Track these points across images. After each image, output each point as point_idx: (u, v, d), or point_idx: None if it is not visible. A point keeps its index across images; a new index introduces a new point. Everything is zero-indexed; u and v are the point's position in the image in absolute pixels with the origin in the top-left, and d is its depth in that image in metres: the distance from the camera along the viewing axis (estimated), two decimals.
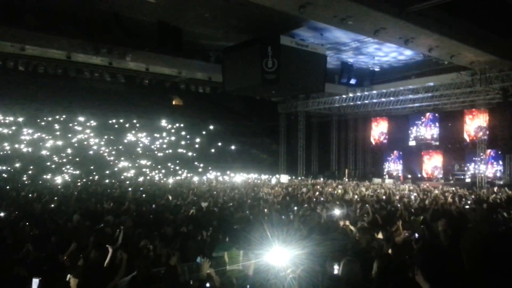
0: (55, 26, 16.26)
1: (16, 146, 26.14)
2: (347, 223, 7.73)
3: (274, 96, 28.79)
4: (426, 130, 31.25)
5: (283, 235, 6.16)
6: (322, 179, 28.65)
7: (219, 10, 14.92)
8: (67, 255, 6.06)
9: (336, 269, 4.10)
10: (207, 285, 4.76)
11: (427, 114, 30.79)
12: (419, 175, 31.36)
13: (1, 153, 25.45)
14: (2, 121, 26.42)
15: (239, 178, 28.20)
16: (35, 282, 4.29)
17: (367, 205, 9.77)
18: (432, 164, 31.59)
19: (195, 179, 26.71)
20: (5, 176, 22.29)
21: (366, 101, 26.94)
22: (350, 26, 14.29)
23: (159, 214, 10.05)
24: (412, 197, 15.21)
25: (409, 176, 30.60)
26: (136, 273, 5.17)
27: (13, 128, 26.54)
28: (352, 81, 23.06)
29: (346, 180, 28.16)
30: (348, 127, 35.50)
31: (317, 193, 16.30)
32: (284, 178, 28.16)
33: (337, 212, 9.26)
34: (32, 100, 26.45)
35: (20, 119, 26.54)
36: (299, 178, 29.49)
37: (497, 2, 13.25)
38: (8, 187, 17.18)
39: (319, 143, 35.65)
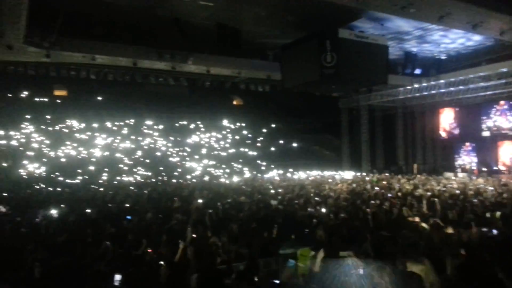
0: (121, 36, 17.26)
1: (91, 150, 28.04)
2: (417, 219, 7.41)
3: (334, 91, 28.31)
4: (502, 119, 29.04)
5: (349, 232, 6.05)
6: (388, 174, 27.68)
7: (276, 8, 14.97)
8: (140, 251, 6.39)
9: (408, 267, 3.91)
10: (276, 281, 4.77)
11: (501, 102, 28.55)
12: (496, 168, 29.17)
13: (78, 157, 27.43)
14: (78, 127, 28.50)
15: (302, 175, 28.06)
16: (117, 278, 4.54)
17: (436, 199, 9.26)
18: (510, 155, 29.26)
19: (259, 177, 26.97)
20: (83, 178, 23.92)
21: (433, 91, 25.56)
22: (412, 14, 13.71)
23: (226, 212, 10.28)
24: (489, 191, 14.22)
25: (484, 169, 28.58)
26: (205, 269, 5.34)
27: (88, 133, 28.54)
28: (417, 71, 22.13)
29: (415, 175, 26.93)
30: (414, 119, 33.87)
31: (383, 189, 15.78)
32: (348, 174, 27.59)
33: None
34: (104, 106, 28.29)
35: (94, 125, 28.52)
36: (364, 174, 28.72)
37: None
38: (86, 189, 18.41)
39: (384, 137, 34.46)
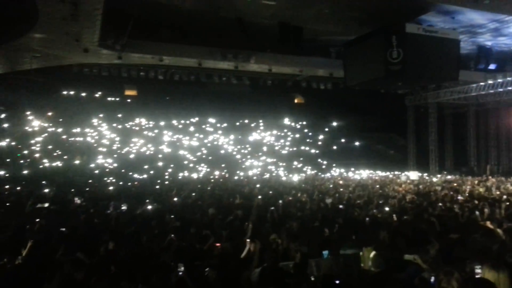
0: (186, 37, 17.90)
1: (159, 147, 29.37)
2: (489, 223, 6.95)
3: (401, 88, 27.23)
4: None
5: (414, 234, 5.82)
6: (458, 176, 26.18)
7: (339, 4, 14.69)
8: (207, 246, 6.57)
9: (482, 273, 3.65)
10: (337, 281, 4.71)
11: None
12: None
13: (147, 153, 28.87)
14: (146, 125, 30.00)
15: (364, 174, 27.38)
16: (181, 268, 4.73)
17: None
18: None
19: (320, 176, 26.72)
20: (151, 173, 25.10)
21: (510, 88, 23.78)
22: (486, 5, 12.84)
23: (286, 210, 10.30)
24: None
25: None
26: (266, 265, 5.40)
27: (156, 131, 29.91)
28: (492, 66, 20.67)
29: (489, 176, 25.21)
30: (488, 117, 31.67)
31: (452, 191, 14.96)
32: (414, 175, 26.46)
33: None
34: (171, 105, 29.50)
35: (162, 123, 29.86)
36: (431, 175, 27.38)
37: None
38: (153, 184, 19.31)
39: (453, 137, 32.59)
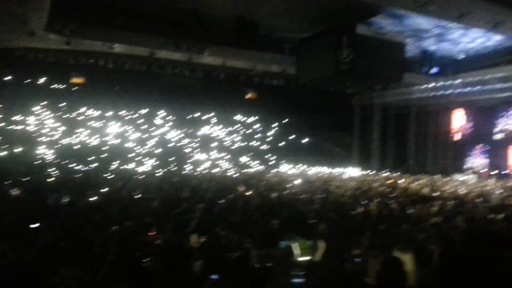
0: (140, 26, 17.47)
1: (105, 138, 28.45)
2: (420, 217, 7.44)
3: (349, 88, 28.13)
4: None
5: (351, 227, 6.13)
6: (397, 173, 27.51)
7: (295, 2, 14.95)
8: (149, 237, 6.54)
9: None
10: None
11: None
12: (506, 172, 28.76)
13: (92, 144, 27.87)
14: (93, 115, 28.93)
15: (311, 171, 28.06)
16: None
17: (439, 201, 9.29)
18: None
19: (268, 171, 27.06)
20: (96, 165, 24.28)
21: (449, 91, 25.26)
22: (431, 12, 13.58)
23: (231, 204, 10.40)
24: (496, 194, 14.10)
25: (495, 172, 28.18)
26: (209, 256, 5.47)
27: (103, 121, 28.95)
28: (434, 70, 21.90)
29: (425, 175, 26.68)
30: (427, 119, 33.53)
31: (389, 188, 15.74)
32: (355, 172, 27.52)
33: None
34: (119, 95, 28.64)
35: (109, 113, 28.91)
36: (372, 172, 28.59)
37: None
38: (97, 176, 18.70)
39: (395, 136, 34.22)
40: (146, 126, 30.42)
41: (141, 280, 4.81)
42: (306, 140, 35.00)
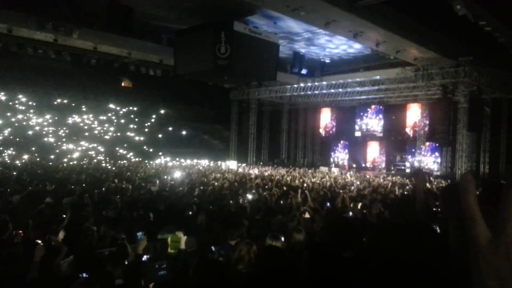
0: None
1: None
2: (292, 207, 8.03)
3: (226, 82, 28.71)
4: (372, 121, 32.62)
5: (228, 218, 6.34)
6: (271, 166, 29.13)
7: None
8: (6, 235, 5.88)
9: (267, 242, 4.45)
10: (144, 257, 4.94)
11: (373, 106, 32.13)
12: (363, 165, 32.73)
13: None
14: None
15: (190, 163, 28.05)
16: None
17: (306, 191, 10.14)
18: (376, 154, 33.10)
19: (145, 163, 26.25)
20: None
21: (316, 92, 27.50)
22: (302, 17, 14.55)
23: (106, 197, 9.91)
24: (355, 185, 15.92)
25: (354, 165, 31.84)
26: (78, 253, 5.14)
27: None
28: (304, 71, 23.48)
29: (295, 168, 28.77)
30: (298, 117, 36.26)
31: (264, 180, 16.62)
32: (233, 165, 28.36)
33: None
34: None
35: None
36: (249, 165, 29.80)
37: (440, 2, 13.97)
38: None
39: (270, 131, 36.16)
40: (3, 111, 26.86)
41: None
42: (185, 132, 34.77)
